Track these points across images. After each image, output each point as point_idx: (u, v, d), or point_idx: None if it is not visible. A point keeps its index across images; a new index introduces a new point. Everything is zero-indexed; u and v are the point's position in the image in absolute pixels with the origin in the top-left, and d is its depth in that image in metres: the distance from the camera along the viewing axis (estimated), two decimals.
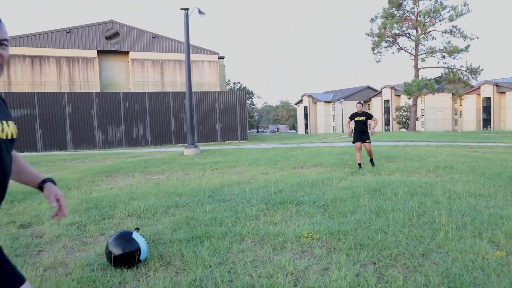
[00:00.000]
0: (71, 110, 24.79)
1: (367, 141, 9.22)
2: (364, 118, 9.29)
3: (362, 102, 10.20)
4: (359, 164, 9.15)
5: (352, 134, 9.44)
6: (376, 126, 9.83)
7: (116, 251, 3.28)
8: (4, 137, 1.40)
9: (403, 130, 52.93)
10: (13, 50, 27.77)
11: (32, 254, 3.80)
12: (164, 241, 3.99)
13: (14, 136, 1.47)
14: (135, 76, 30.98)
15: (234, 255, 3.56)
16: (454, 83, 38.39)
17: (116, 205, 5.71)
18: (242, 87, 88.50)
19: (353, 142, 9.40)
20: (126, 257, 3.27)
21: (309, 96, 74.64)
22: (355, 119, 9.36)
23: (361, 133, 9.29)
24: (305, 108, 75.50)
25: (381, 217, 4.63)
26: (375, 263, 3.30)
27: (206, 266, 3.30)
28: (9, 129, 1.44)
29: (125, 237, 3.36)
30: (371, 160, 9.28)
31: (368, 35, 40.15)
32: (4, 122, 1.42)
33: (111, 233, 4.39)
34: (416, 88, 36.99)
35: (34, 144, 24.04)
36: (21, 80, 28.04)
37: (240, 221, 4.68)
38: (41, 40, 28.65)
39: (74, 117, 24.85)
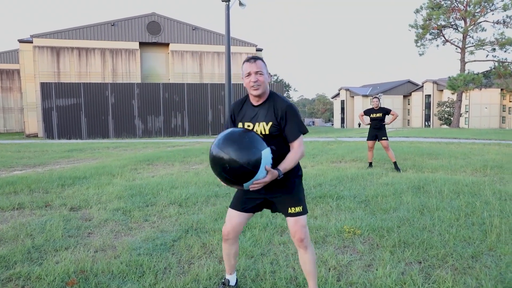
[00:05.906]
0: (114, 100, 25.78)
1: (383, 138, 8.32)
2: (381, 114, 8.40)
3: (379, 97, 9.22)
4: (370, 163, 8.60)
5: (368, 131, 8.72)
6: (394, 119, 8.52)
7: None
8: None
9: (445, 126, 50.71)
10: (62, 42, 29.16)
11: (83, 236, 4.00)
12: (206, 230, 4.07)
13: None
14: (175, 67, 31.63)
15: (275, 247, 3.57)
16: (504, 77, 36.23)
17: (158, 193, 5.88)
18: (278, 80, 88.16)
19: (367, 140, 8.73)
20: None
21: (347, 89, 73.01)
22: (371, 115, 8.50)
23: (376, 130, 8.46)
24: (342, 101, 74.02)
25: (425, 216, 4.48)
26: (420, 262, 3.21)
27: (249, 256, 3.33)
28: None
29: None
30: (395, 165, 8.12)
31: (412, 26, 38.55)
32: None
33: (155, 220, 4.54)
34: (462, 83, 35.18)
35: (80, 131, 25.26)
36: (69, 71, 29.42)
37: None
38: (87, 32, 29.87)
39: (116, 107, 25.84)
